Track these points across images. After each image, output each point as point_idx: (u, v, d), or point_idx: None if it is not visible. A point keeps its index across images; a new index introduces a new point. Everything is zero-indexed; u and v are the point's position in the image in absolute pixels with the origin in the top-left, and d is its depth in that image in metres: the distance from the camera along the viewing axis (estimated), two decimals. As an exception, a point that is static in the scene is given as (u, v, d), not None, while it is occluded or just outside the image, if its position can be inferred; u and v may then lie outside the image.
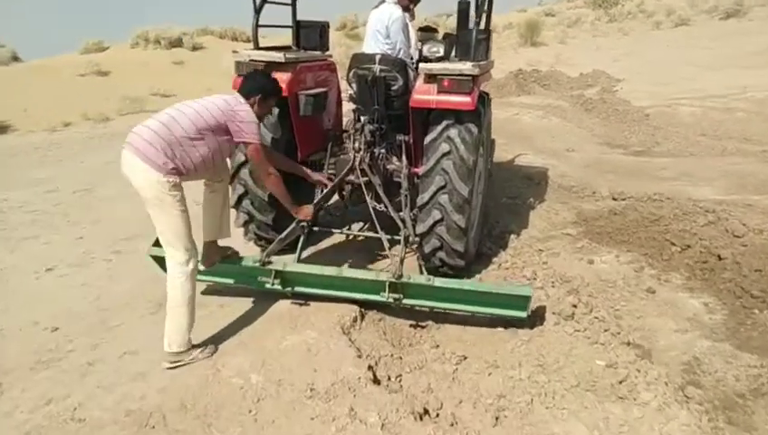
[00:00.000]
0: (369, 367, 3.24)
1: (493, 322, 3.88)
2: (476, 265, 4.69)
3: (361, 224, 5.48)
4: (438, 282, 3.55)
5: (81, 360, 3.49)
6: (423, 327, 3.94)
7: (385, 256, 4.67)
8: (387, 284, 3.61)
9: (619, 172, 7.78)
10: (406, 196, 4.45)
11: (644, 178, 7.39)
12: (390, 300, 3.61)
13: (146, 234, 5.46)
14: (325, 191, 4.24)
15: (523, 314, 3.64)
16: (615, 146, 9.49)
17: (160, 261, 3.89)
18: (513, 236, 5.27)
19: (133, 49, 17.90)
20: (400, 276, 3.55)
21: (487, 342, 3.74)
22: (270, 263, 3.73)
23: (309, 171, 4.32)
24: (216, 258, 3.82)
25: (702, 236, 4.76)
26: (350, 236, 5.13)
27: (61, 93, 13.73)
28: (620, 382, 3.18)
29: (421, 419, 2.91)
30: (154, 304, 4.15)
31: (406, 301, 3.70)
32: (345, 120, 5.48)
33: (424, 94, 4.05)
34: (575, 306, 3.93)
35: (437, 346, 3.70)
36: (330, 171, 4.75)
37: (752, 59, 17.55)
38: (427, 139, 4.11)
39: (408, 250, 4.16)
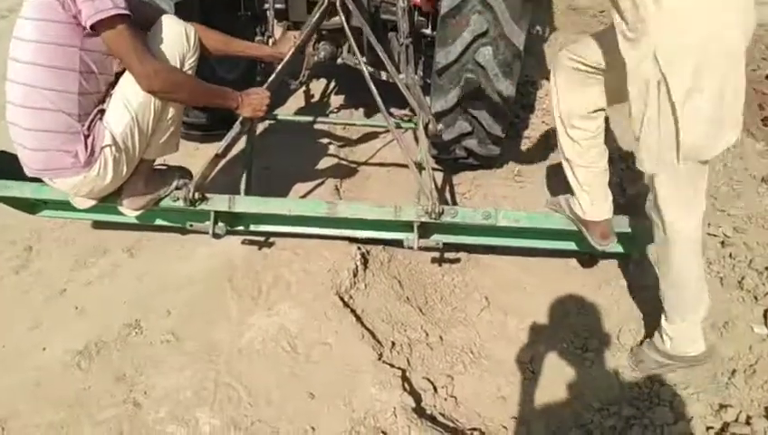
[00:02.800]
0: (403, 383, 1.88)
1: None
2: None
3: (334, 101, 3.74)
4: (505, 217, 2.08)
5: None
6: (452, 262, 2.55)
7: (392, 164, 3.13)
8: (416, 225, 2.12)
9: None
10: (407, 47, 2.77)
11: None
12: (417, 247, 2.14)
13: None
14: (285, 59, 2.47)
15: (627, 250, 2.30)
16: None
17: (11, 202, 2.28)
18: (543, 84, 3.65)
19: None
20: (440, 213, 2.05)
21: (560, 285, 2.42)
22: (204, 199, 2.13)
23: (252, 44, 2.59)
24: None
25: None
26: (323, 125, 3.26)
27: None
28: None
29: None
30: (18, 247, 2.56)
31: (437, 238, 2.24)
32: None
33: None
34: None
35: (486, 300, 2.35)
36: (277, 6, 2.93)
37: None
38: (452, -52, 2.36)
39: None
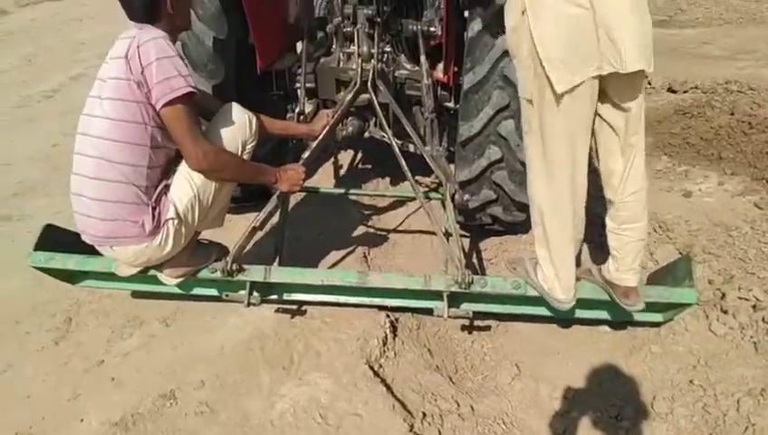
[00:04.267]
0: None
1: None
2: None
3: (361, 172, 3.86)
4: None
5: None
6: (481, 329, 2.56)
7: (418, 231, 3.19)
8: (446, 295, 2.16)
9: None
10: (432, 121, 2.88)
11: (687, 58, 5.90)
12: (447, 317, 2.17)
13: (44, 183, 3.90)
14: (319, 137, 2.60)
15: (659, 318, 2.30)
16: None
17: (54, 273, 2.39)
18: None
19: None
20: (470, 283, 2.09)
21: (591, 351, 2.40)
22: (241, 270, 2.21)
23: (290, 124, 2.79)
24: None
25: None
26: (351, 196, 3.36)
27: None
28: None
29: None
30: (58, 319, 2.64)
31: (467, 307, 2.27)
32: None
33: (466, -47, 2.39)
34: (710, 282, 2.62)
35: (517, 368, 2.34)
36: (308, 85, 3.10)
37: None
38: (473, 27, 2.50)
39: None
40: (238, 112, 2.15)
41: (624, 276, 2.12)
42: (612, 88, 1.88)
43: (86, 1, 10.59)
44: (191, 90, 1.86)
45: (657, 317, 2.33)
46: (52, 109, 5.33)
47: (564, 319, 2.45)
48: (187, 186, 2.00)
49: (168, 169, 2.04)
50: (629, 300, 2.12)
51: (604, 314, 2.34)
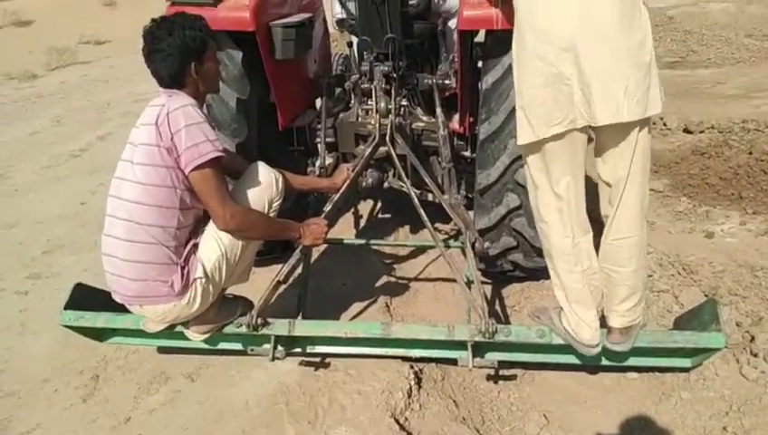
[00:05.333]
0: None
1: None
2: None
3: (381, 222, 3.92)
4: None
5: None
6: (507, 378, 2.53)
7: (439, 279, 3.21)
8: (471, 345, 2.16)
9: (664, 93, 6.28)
10: (449, 171, 2.93)
11: (701, 98, 5.95)
12: (472, 367, 2.17)
13: (72, 240, 4.00)
14: (340, 190, 2.67)
15: (688, 363, 2.26)
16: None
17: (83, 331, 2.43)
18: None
19: (56, -9, 15.50)
20: (494, 332, 2.09)
21: (619, 399, 2.36)
22: (266, 324, 2.24)
23: (312, 178, 2.88)
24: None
25: None
26: (371, 245, 3.39)
27: (-24, 51, 11.76)
28: None
29: None
30: (86, 377, 2.67)
31: (491, 356, 2.26)
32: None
33: (479, 9, 2.48)
34: (738, 325, 2.58)
35: (545, 418, 2.30)
36: (328, 140, 3.19)
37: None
38: (487, 79, 2.58)
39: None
40: (265, 172, 2.22)
41: (608, 315, 2.12)
42: (599, 135, 1.92)
43: (112, 63, 11.06)
44: (219, 154, 1.93)
45: (686, 362, 2.29)
46: (80, 168, 5.51)
47: (591, 366, 2.42)
48: (214, 245, 2.05)
49: (197, 229, 2.10)
50: (611, 337, 2.11)
51: (631, 361, 2.30)
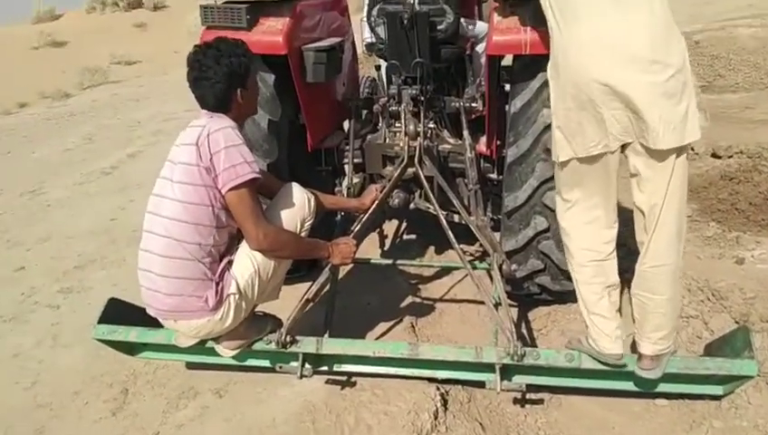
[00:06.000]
0: None
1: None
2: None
3: (407, 242, 3.93)
4: (588, 360, 2.10)
5: None
6: (534, 402, 2.51)
7: (465, 300, 3.22)
8: (498, 367, 2.16)
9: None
10: (475, 192, 2.95)
11: (731, 123, 5.89)
12: (499, 390, 2.16)
13: (103, 255, 4.09)
14: (369, 211, 2.71)
15: (720, 391, 2.23)
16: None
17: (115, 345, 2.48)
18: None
19: (89, 14, 16.11)
20: (522, 356, 2.09)
21: (649, 426, 2.33)
22: (294, 342, 2.27)
23: (341, 199, 2.93)
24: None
25: None
26: (398, 265, 3.39)
27: (13, 71, 12.22)
28: None
29: None
30: (116, 390, 2.72)
31: (519, 379, 2.26)
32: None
33: (507, 34, 2.51)
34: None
35: (573, 445, 2.28)
36: (355, 161, 3.24)
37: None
38: (516, 103, 2.60)
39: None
40: (298, 193, 2.28)
41: (640, 341, 2.11)
42: (634, 162, 1.92)
43: (142, 82, 11.34)
44: (255, 175, 1.98)
45: (718, 390, 2.25)
46: (111, 184, 5.64)
47: (620, 392, 2.39)
48: (248, 262, 2.10)
49: (231, 246, 2.15)
50: (642, 363, 2.10)
51: (661, 387, 2.28)
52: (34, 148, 7.41)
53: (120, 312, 2.52)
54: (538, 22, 2.35)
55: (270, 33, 2.74)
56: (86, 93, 10.84)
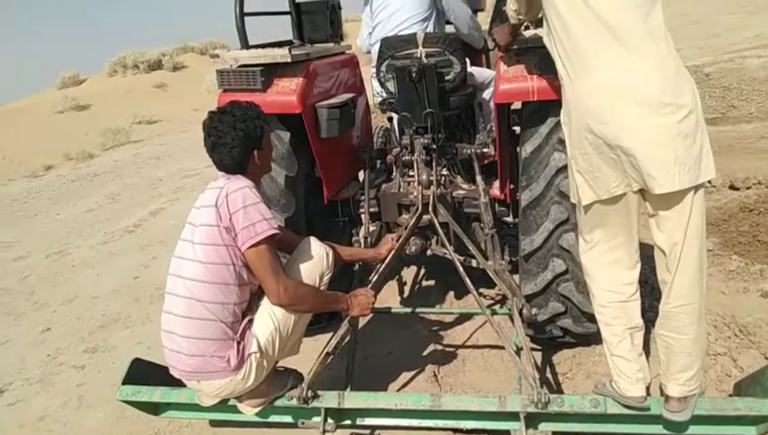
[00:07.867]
0: None
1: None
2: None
3: (425, 289, 3.95)
4: (614, 406, 2.06)
5: None
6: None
7: (487, 346, 3.19)
8: (523, 416, 2.13)
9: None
10: (492, 237, 2.96)
11: (747, 154, 5.87)
12: (526, 438, 2.13)
13: (126, 314, 4.14)
14: (386, 260, 2.74)
15: (753, 432, 2.16)
16: (681, 116, 7.91)
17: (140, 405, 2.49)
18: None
19: (111, 77, 16.78)
20: (547, 403, 2.07)
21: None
22: (316, 397, 2.26)
23: (358, 250, 2.92)
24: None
25: None
26: (418, 313, 3.37)
27: (40, 134, 12.67)
28: None
29: None
30: (140, 452, 2.72)
31: (545, 427, 2.22)
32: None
33: (514, 82, 2.57)
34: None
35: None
36: (371, 211, 3.28)
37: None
38: (526, 148, 2.64)
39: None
40: (316, 247, 2.32)
41: (666, 383, 2.07)
42: (653, 203, 1.93)
43: (163, 141, 11.66)
44: (274, 231, 2.03)
45: (751, 431, 2.18)
46: (134, 243, 5.75)
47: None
48: (268, 320, 2.12)
49: (252, 304, 2.18)
50: (669, 406, 2.05)
51: (691, 429, 2.21)
52: (60, 209, 7.62)
53: (143, 371, 2.54)
54: (544, 69, 2.42)
55: (284, 93, 2.83)
56: (109, 154, 11.17)
